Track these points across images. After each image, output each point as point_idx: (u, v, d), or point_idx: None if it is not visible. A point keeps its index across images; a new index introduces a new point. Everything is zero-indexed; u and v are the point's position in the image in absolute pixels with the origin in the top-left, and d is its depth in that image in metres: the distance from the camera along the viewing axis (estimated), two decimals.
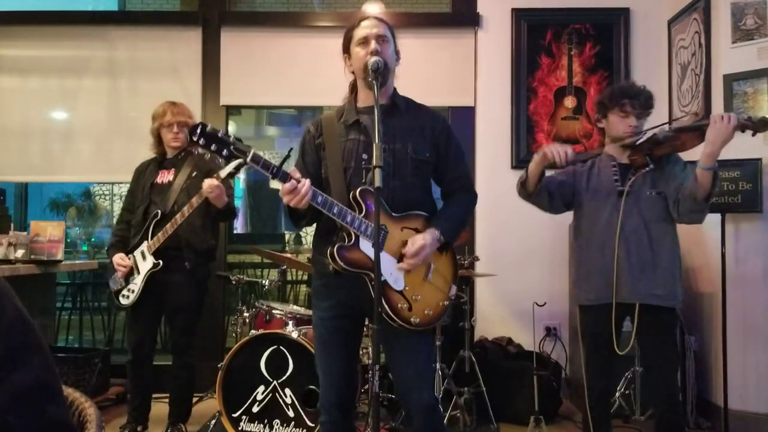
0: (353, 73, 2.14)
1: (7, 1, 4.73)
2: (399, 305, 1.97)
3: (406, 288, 2.00)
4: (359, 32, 2.06)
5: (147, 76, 4.42)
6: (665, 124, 2.66)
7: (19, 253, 3.63)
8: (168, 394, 3.31)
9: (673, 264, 2.50)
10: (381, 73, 1.96)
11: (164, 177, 3.24)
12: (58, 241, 3.72)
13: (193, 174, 3.20)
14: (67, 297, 5.53)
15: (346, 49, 2.12)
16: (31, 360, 0.88)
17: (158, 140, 3.30)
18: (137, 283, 3.12)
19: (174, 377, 3.24)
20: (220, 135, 1.86)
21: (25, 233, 3.75)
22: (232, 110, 5.02)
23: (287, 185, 1.88)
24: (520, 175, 2.66)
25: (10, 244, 3.64)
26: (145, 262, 3.11)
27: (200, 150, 1.93)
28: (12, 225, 3.94)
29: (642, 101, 2.52)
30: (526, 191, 2.62)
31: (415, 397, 2.03)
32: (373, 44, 2.01)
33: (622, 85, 2.76)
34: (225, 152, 1.87)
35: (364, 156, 2.02)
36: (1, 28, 4.44)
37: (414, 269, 2.01)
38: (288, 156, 1.97)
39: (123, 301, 3.15)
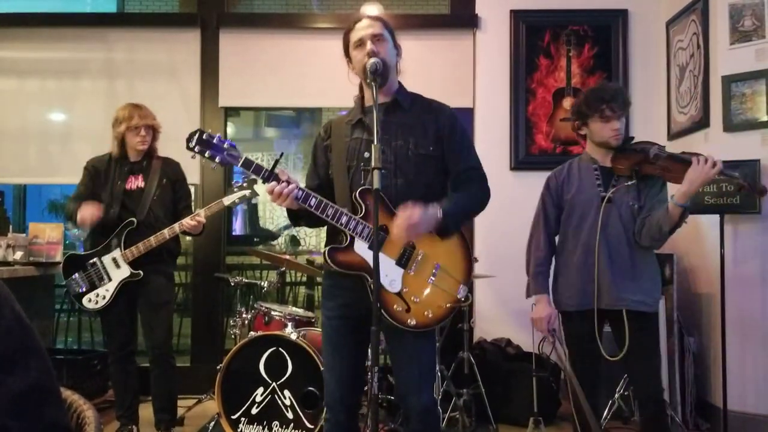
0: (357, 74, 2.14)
1: (5, 2, 4.73)
2: (395, 307, 1.97)
3: (405, 290, 1.99)
4: (355, 35, 2.06)
5: (145, 77, 4.41)
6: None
7: (18, 255, 3.63)
8: (147, 397, 3.28)
9: (653, 270, 2.53)
10: (380, 74, 1.96)
11: (134, 183, 3.22)
12: (56, 242, 3.72)
13: (163, 181, 3.23)
14: (65, 299, 5.51)
15: (347, 53, 2.12)
16: (29, 363, 0.88)
17: (121, 143, 3.23)
18: (109, 289, 3.11)
19: (159, 379, 3.21)
20: (214, 141, 1.93)
21: (24, 235, 3.75)
22: (231, 112, 5.02)
23: (269, 186, 1.93)
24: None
25: (8, 246, 3.64)
26: (119, 270, 3.11)
27: (195, 156, 1.96)
28: (11, 227, 3.95)
29: (620, 103, 2.46)
30: None
31: (414, 398, 2.03)
32: (369, 45, 2.01)
33: (596, 90, 2.61)
34: (218, 158, 1.94)
35: (366, 154, 2.02)
36: None
37: (416, 271, 1.98)
38: (278, 161, 1.99)
39: (89, 305, 3.14)
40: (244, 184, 3.10)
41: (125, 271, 3.10)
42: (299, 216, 2.08)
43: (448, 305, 2.03)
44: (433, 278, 2.01)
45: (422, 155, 2.05)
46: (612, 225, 2.46)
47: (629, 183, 2.46)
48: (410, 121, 2.08)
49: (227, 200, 3.11)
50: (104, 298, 3.12)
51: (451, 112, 2.16)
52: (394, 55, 2.09)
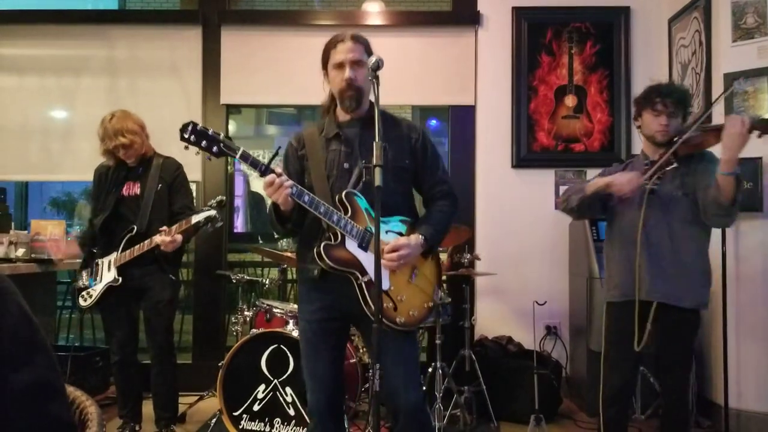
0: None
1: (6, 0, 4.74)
2: (385, 305, 2.01)
3: (391, 288, 2.04)
4: (336, 56, 2.11)
5: (147, 75, 4.42)
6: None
7: (20, 251, 3.64)
8: (149, 393, 3.28)
9: (697, 266, 2.53)
10: (376, 76, 1.99)
11: (131, 189, 3.22)
12: (58, 239, 3.72)
13: (159, 186, 3.21)
14: (67, 296, 5.52)
15: (325, 66, 2.17)
16: (34, 359, 0.88)
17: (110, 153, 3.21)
18: (97, 290, 3.14)
19: (160, 377, 3.22)
20: (210, 133, 1.95)
21: (26, 232, 3.75)
22: (232, 109, 5.01)
23: (269, 177, 1.94)
24: (566, 198, 2.68)
25: (10, 243, 3.65)
26: (108, 273, 3.13)
27: (189, 147, 1.96)
28: (12, 224, 3.95)
29: (674, 99, 2.50)
30: (578, 212, 2.66)
31: (403, 397, 2.06)
32: (347, 72, 2.07)
33: (656, 84, 2.71)
34: (215, 149, 1.95)
35: (345, 165, 2.10)
36: (0, 27, 4.44)
37: (398, 270, 2.04)
38: (276, 154, 2.02)
39: (82, 302, 3.19)
40: (213, 204, 3.03)
41: (112, 275, 3.12)
42: (286, 219, 2.07)
43: (428, 305, 2.14)
44: (414, 279, 2.11)
45: (399, 167, 2.13)
46: (653, 216, 2.47)
47: (668, 168, 2.47)
48: (385, 135, 2.10)
49: (195, 218, 3.00)
50: (92, 297, 3.15)
51: (422, 129, 2.27)
52: (368, 81, 2.11)
